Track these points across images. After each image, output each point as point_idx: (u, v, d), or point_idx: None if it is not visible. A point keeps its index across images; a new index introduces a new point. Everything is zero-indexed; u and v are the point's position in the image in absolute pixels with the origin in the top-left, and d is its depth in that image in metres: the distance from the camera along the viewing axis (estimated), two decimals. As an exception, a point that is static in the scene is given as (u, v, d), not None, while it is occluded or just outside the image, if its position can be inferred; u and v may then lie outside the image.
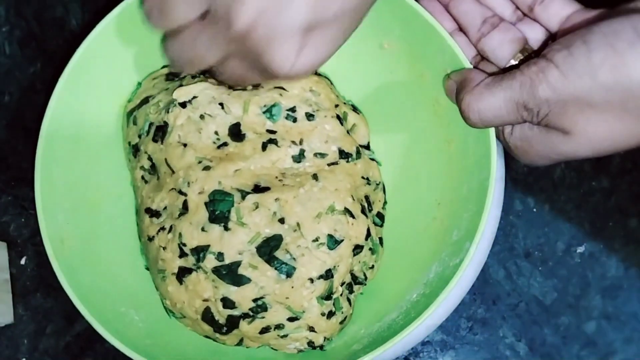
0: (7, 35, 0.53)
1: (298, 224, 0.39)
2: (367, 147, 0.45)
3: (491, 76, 0.37)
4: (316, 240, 0.39)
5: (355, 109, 0.45)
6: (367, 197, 0.43)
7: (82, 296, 0.40)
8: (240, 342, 0.42)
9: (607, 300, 0.46)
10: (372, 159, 0.45)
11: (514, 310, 0.47)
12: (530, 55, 0.39)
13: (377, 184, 0.45)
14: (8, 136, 0.52)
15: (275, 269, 0.39)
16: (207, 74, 0.43)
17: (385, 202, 0.46)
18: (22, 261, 0.50)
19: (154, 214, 0.42)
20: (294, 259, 0.39)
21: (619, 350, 0.46)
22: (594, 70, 0.32)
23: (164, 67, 0.46)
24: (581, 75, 0.33)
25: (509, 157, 0.41)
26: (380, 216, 0.45)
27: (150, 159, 0.43)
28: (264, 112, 0.41)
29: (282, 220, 0.39)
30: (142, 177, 0.44)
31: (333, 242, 0.40)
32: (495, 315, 0.47)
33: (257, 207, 0.39)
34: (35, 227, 0.41)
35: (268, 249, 0.39)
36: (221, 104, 0.41)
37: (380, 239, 0.44)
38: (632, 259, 0.46)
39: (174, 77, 0.45)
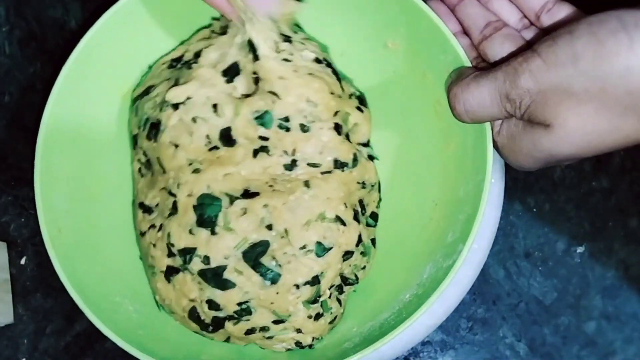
0: (7, 35, 0.53)
1: (286, 231, 0.39)
2: (367, 144, 0.44)
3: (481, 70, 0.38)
4: (304, 247, 0.39)
5: (361, 101, 0.44)
6: (361, 201, 0.43)
7: (76, 283, 0.40)
8: (227, 339, 0.42)
9: (607, 300, 0.46)
10: (370, 156, 0.44)
11: (514, 310, 0.47)
12: None
13: (373, 186, 0.44)
14: (8, 136, 0.52)
15: (260, 275, 0.39)
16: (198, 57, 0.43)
17: (380, 200, 0.45)
18: (22, 261, 0.50)
19: (146, 209, 0.42)
20: (280, 265, 0.39)
21: (619, 350, 0.46)
22: (575, 58, 0.32)
23: (171, 51, 0.45)
24: (563, 63, 0.33)
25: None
26: (374, 216, 0.44)
27: (145, 154, 0.43)
28: (255, 118, 0.40)
29: (269, 227, 0.39)
30: (139, 170, 0.44)
31: (322, 249, 0.39)
32: (495, 315, 0.47)
33: (245, 213, 0.39)
34: (35, 227, 0.41)
35: (254, 254, 0.39)
36: (215, 105, 0.40)
37: (373, 239, 0.44)
38: (632, 259, 0.46)
39: (176, 63, 0.44)
